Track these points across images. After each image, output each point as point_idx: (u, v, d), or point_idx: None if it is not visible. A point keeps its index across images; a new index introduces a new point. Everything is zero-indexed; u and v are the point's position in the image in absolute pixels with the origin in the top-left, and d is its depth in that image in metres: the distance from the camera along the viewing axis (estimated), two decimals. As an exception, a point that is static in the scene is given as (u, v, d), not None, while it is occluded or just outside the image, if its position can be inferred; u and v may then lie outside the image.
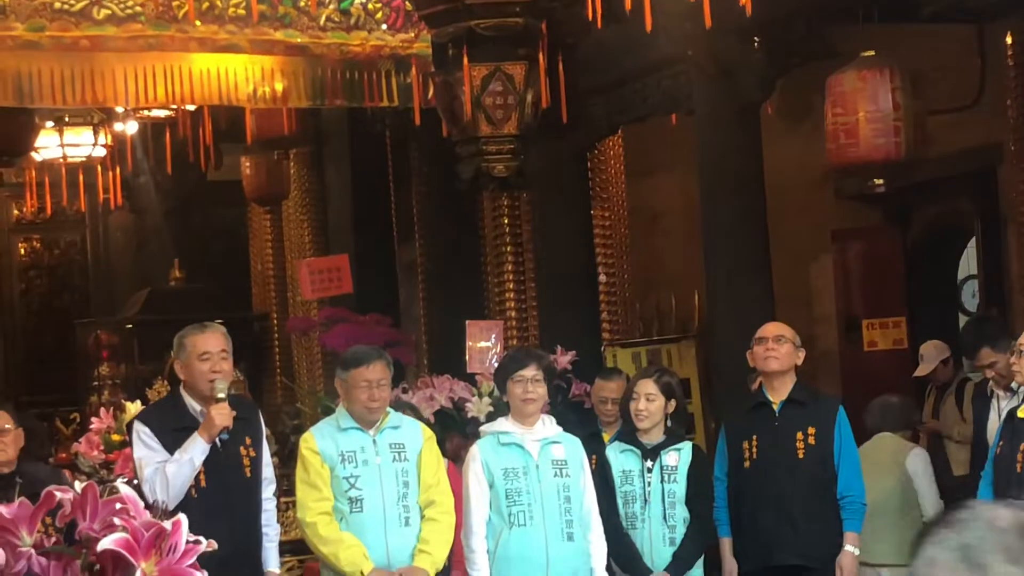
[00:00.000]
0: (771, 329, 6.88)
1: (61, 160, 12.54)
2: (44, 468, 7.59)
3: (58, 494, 3.41)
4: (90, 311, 15.66)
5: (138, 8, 8.49)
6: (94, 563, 3.39)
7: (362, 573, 6.25)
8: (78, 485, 3.49)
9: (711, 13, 6.73)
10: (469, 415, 8.83)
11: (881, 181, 7.69)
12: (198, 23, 8.61)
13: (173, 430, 6.05)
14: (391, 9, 9.12)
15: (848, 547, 6.70)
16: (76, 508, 3.45)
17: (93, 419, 8.64)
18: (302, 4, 8.83)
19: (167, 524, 3.40)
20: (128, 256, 16.27)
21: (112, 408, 8.76)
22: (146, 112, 11.56)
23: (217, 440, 6.05)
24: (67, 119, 12.38)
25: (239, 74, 8.85)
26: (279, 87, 9.05)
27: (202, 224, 15.59)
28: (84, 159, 12.65)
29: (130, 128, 13.12)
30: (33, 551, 3.34)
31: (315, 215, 13.39)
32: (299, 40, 8.93)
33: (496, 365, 8.47)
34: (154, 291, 14.62)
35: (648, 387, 6.81)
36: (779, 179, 10.09)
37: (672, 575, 6.65)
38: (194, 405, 6.15)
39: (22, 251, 16.27)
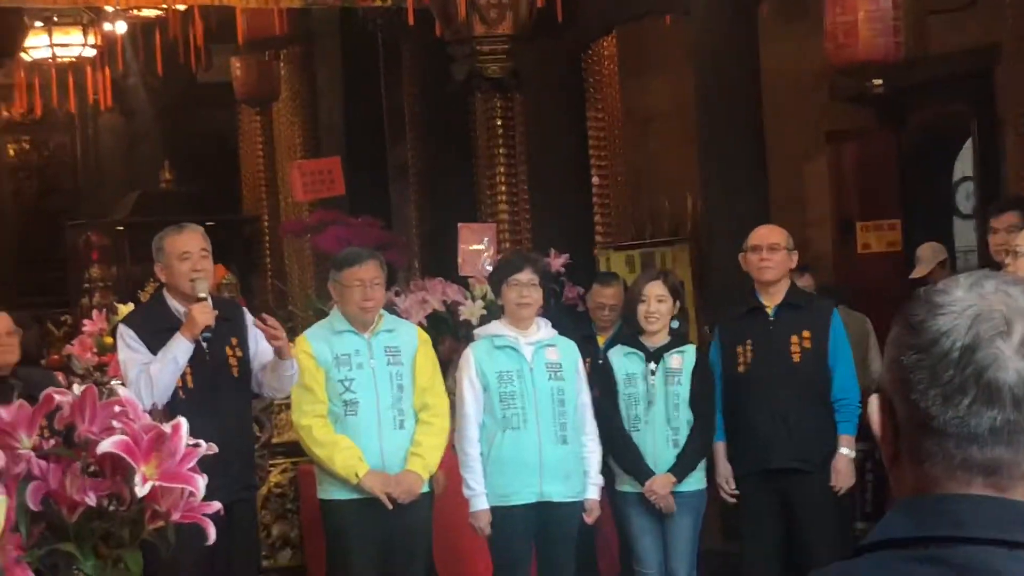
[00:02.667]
0: (764, 236, 6.80)
1: (51, 60, 12.40)
2: (38, 371, 7.59)
3: (57, 396, 3.39)
4: (80, 213, 15.59)
5: (127, -96, 8.34)
6: (93, 465, 3.38)
7: (357, 475, 6.25)
8: (76, 388, 3.47)
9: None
10: (462, 318, 8.80)
11: (880, 82, 7.61)
12: (188, -81, 8.48)
13: (157, 331, 6.03)
14: (385, -96, 9.00)
15: (843, 449, 6.70)
16: (75, 411, 3.43)
17: (85, 321, 8.60)
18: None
19: (167, 427, 3.39)
20: (118, 158, 16.17)
21: (104, 310, 8.72)
22: (136, 12, 11.42)
23: (202, 341, 6.01)
24: (56, 19, 12.22)
25: (231, -27, 8.73)
26: (273, -14, 8.93)
27: (193, 126, 15.48)
28: (74, 59, 12.51)
29: (120, 28, 12.98)
30: (32, 453, 3.33)
31: (306, 116, 13.30)
32: (293, -62, 8.80)
33: (489, 268, 8.46)
34: (144, 193, 14.55)
35: (658, 289, 6.77)
36: (774, 80, 10.00)
37: (676, 476, 6.65)
38: (177, 306, 6.12)
39: (11, 152, 16.17)
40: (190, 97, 14.89)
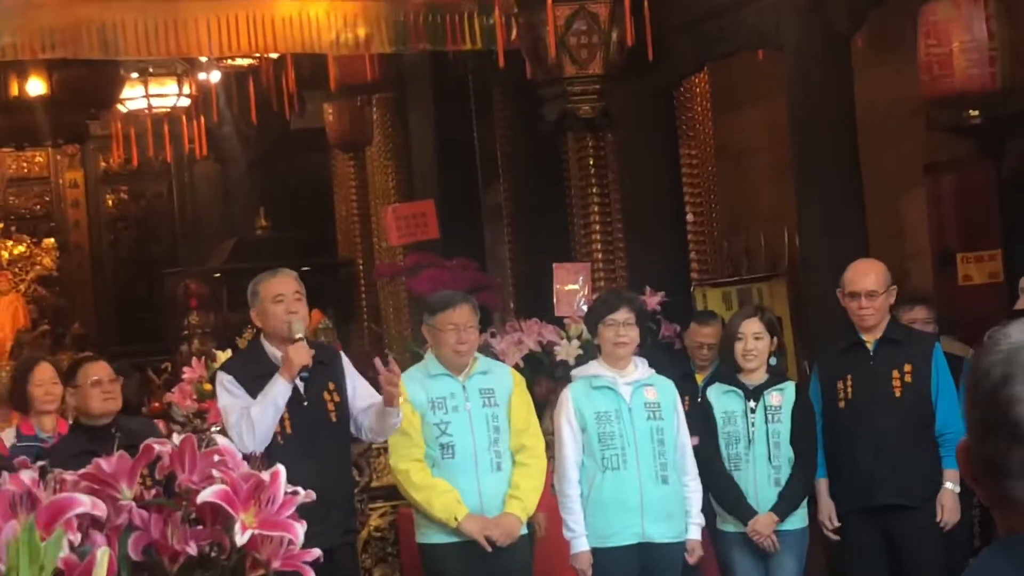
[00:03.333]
0: (861, 283, 6.71)
1: (146, 111, 12.59)
2: (138, 419, 7.68)
3: (156, 446, 3.40)
4: (177, 261, 15.77)
5: (220, -44, 8.45)
6: (194, 515, 3.38)
7: (456, 519, 6.24)
8: (176, 437, 3.48)
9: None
10: (558, 359, 8.78)
11: (976, 112, 7.52)
12: (279, -30, 8.56)
13: (256, 377, 6.05)
14: (475, -51, 9.02)
15: (948, 484, 6.59)
16: (175, 460, 3.44)
17: (184, 368, 8.67)
18: (383, -52, 8.76)
19: (265, 475, 3.38)
20: (214, 206, 16.36)
21: (203, 357, 8.79)
22: (229, 61, 11.55)
23: (300, 384, 6.02)
24: (151, 70, 12.41)
25: (321, 20, 8.80)
26: (361, 33, 8.99)
27: (287, 172, 15.63)
28: (169, 110, 12.69)
29: (213, 77, 13.14)
30: (134, 504, 3.34)
31: (399, 160, 13.36)
32: (381, -16, 8.86)
33: (584, 308, 8.44)
34: (240, 240, 14.69)
35: (755, 326, 6.72)
36: (870, 113, 9.91)
37: (778, 515, 6.58)
38: (274, 352, 6.13)
39: (110, 203, 16.39)
40: (284, 144, 15.03)
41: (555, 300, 9.47)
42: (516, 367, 9.29)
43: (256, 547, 3.36)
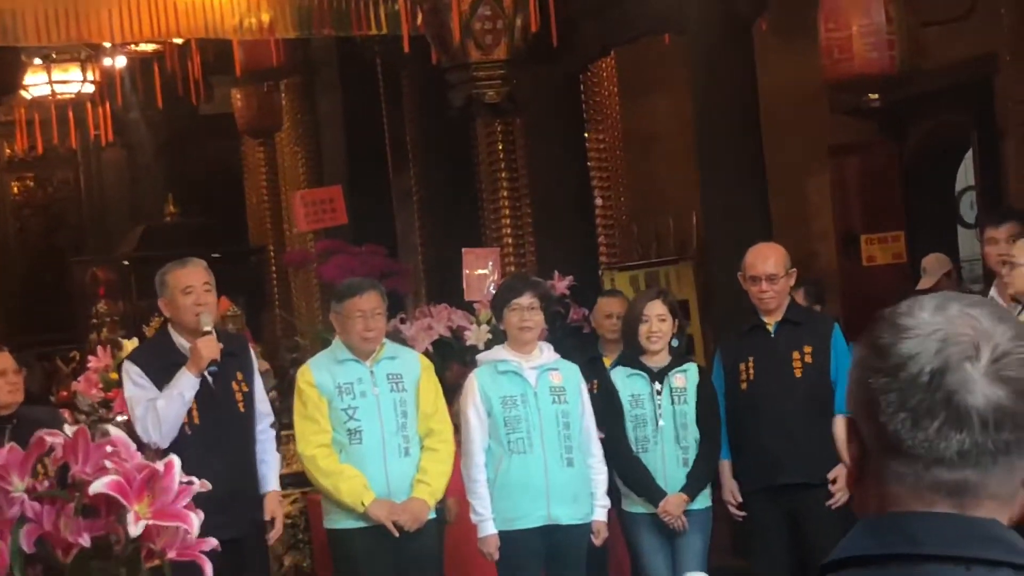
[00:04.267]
0: (761, 266, 6.76)
1: (50, 97, 12.45)
2: (42, 409, 7.58)
3: (48, 438, 3.39)
4: (86, 248, 15.61)
5: (121, -59, 8.37)
6: (88, 506, 3.37)
7: (363, 504, 6.24)
8: (68, 429, 3.47)
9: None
10: (468, 343, 8.80)
11: (876, 96, 7.60)
12: (182, -46, 8.50)
13: (163, 367, 6.03)
14: (379, -67, 8.99)
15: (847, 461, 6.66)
16: (68, 452, 3.43)
17: (90, 357, 8.59)
18: (287, -68, 8.72)
19: (159, 465, 3.38)
20: (122, 192, 16.20)
21: (109, 346, 8.71)
22: (133, 47, 11.45)
23: (208, 376, 6.01)
24: (55, 56, 12.27)
25: (224, 5, 8.75)
26: (265, 18, 8.95)
27: (196, 158, 15.51)
28: (73, 96, 12.56)
29: (119, 63, 13.02)
30: (26, 496, 3.32)
31: (308, 146, 13.31)
32: (285, -32, 8.81)
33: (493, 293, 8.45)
34: (149, 227, 14.56)
35: (658, 308, 6.75)
36: (775, 96, 9.99)
37: (688, 495, 6.64)
38: (182, 342, 6.11)
39: (15, 190, 16.21)
40: (192, 129, 14.92)
41: (465, 285, 9.49)
42: (426, 353, 9.30)
43: (151, 538, 3.35)
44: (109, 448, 3.34)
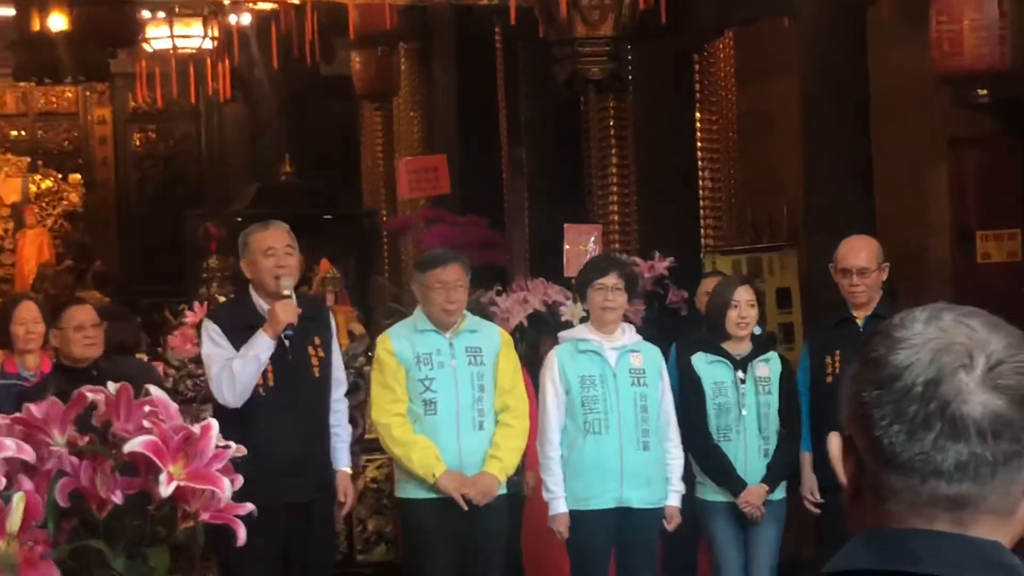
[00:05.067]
0: (853, 259, 6.64)
1: (171, 51, 12.58)
2: (133, 362, 7.69)
3: (89, 395, 3.42)
4: (204, 203, 15.80)
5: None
6: (127, 463, 3.40)
7: (434, 475, 6.24)
8: (152, 389, 3.48)
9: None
10: (563, 319, 8.77)
11: (985, 91, 7.44)
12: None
13: (241, 328, 6.05)
14: (496, -97, 8.92)
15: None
16: (111, 409, 3.46)
17: (188, 312, 8.69)
18: None
19: (196, 428, 3.40)
20: (242, 149, 16.35)
21: (206, 302, 8.80)
22: (252, 5, 11.52)
23: (284, 339, 6.03)
24: (177, 10, 12.39)
25: (336, -34, 8.74)
26: (378, -18, 8.93)
27: (314, 119, 15.59)
28: (194, 51, 12.68)
29: (245, 19, 13.12)
30: (64, 450, 3.36)
31: (424, 112, 13.32)
32: (399, -67, 8.78)
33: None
34: (264, 185, 14.69)
35: (747, 294, 6.67)
36: (895, 84, 9.81)
37: (769, 487, 6.57)
38: (261, 304, 6.13)
39: (138, 141, 16.43)
40: (312, 90, 15.00)
41: (565, 261, 9.45)
42: (520, 326, 9.31)
43: (186, 499, 3.37)
44: (147, 408, 3.37)
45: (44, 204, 16.24)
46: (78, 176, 16.29)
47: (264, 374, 6.02)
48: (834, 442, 6.27)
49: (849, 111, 8.48)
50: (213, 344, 6.07)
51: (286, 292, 6.06)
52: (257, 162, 15.77)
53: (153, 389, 3.44)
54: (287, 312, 6.00)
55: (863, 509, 1.61)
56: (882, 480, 1.58)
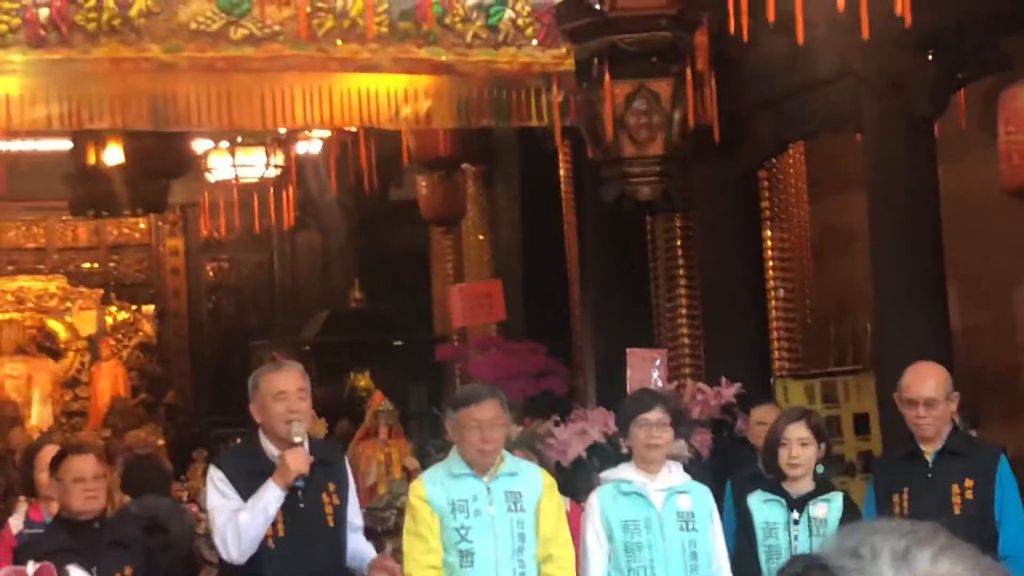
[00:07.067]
0: (919, 389, 6.16)
1: (234, 181, 12.42)
2: (164, 502, 7.40)
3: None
4: (275, 332, 15.59)
5: (277, 28, 8.18)
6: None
7: (470, 634, 5.80)
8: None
9: (871, 24, 6.16)
10: (623, 450, 8.33)
11: (1060, 206, 6.98)
12: (339, 42, 8.28)
13: (250, 475, 5.68)
14: (542, 25, 8.63)
15: (1011, 613, 6.02)
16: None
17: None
18: (447, 21, 8.43)
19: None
20: (314, 277, 16.17)
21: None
22: (308, 133, 11.34)
23: (295, 489, 5.65)
24: (240, 140, 12.25)
25: (380, 94, 8.50)
26: (424, 107, 8.68)
27: (385, 244, 15.36)
28: (256, 180, 12.51)
29: (313, 148, 13.00)
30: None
31: (492, 235, 13.03)
32: (444, 58, 8.53)
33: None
34: (333, 312, 14.46)
35: (800, 431, 6.21)
36: (978, 197, 9.38)
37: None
38: (271, 450, 5.76)
39: (210, 271, 16.31)
40: (382, 215, 14.78)
41: (628, 387, 9.06)
42: (579, 458, 8.89)
43: None
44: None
45: (120, 336, 16.13)
46: (151, 307, 16.16)
47: (273, 524, 5.63)
48: None
49: (919, 226, 8.04)
50: (219, 494, 5.70)
51: (297, 439, 5.69)
52: (328, 290, 15.55)
53: (73, 570, 3.08)
54: (298, 462, 5.62)
55: None
56: None
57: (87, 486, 5.74)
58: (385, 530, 8.58)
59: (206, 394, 15.48)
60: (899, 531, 1.26)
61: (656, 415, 6.03)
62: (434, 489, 5.99)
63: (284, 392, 5.77)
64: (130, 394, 15.74)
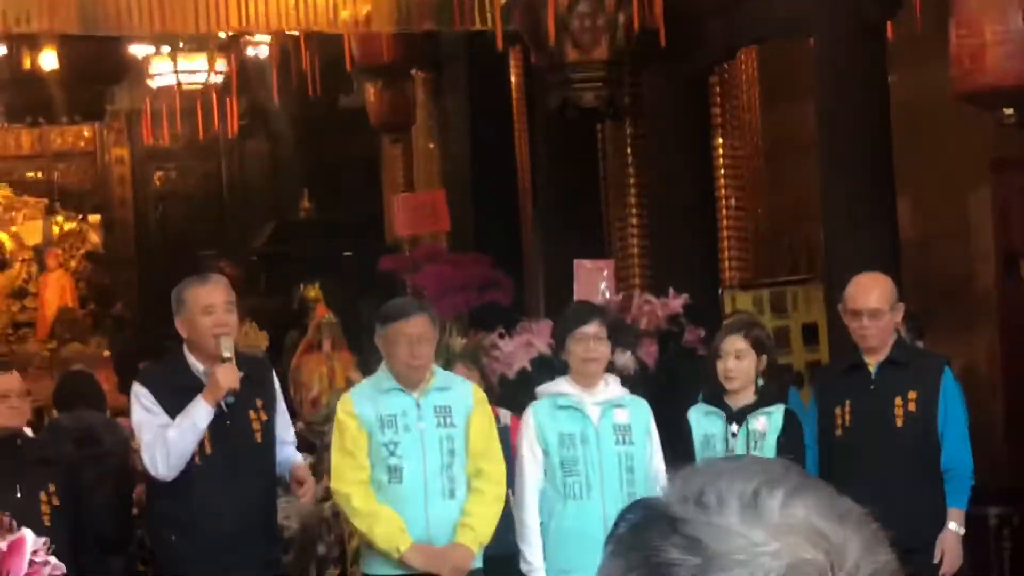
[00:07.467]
0: (863, 299, 6.04)
1: (176, 88, 12.13)
2: (96, 416, 7.28)
3: None
4: (225, 242, 15.35)
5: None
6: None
7: (399, 550, 5.68)
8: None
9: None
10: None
11: (1011, 111, 6.81)
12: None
13: (175, 391, 5.53)
14: (484, -76, 8.40)
15: (952, 525, 5.94)
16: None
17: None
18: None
19: (2, 545, 2.87)
20: (263, 185, 15.91)
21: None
22: (248, 38, 11.06)
23: (223, 403, 5.49)
24: (181, 45, 11.95)
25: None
26: (363, 10, 8.44)
27: (334, 153, 15.09)
28: (200, 86, 12.22)
29: (261, 53, 12.72)
30: None
31: (442, 143, 12.80)
32: (383, -40, 8.28)
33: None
34: (282, 222, 14.22)
35: (737, 343, 6.07)
36: (936, 104, 9.20)
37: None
38: (197, 364, 5.61)
39: (158, 181, 16.04)
40: (331, 124, 14.51)
41: (576, 299, 8.89)
42: (523, 371, 8.75)
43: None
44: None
45: (67, 247, 15.86)
46: (98, 217, 15.90)
47: (200, 441, 5.48)
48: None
49: (867, 133, 7.87)
50: (144, 411, 5.55)
51: (227, 354, 5.52)
52: (277, 199, 15.30)
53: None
54: (228, 378, 5.47)
55: None
56: None
57: (11, 403, 5.59)
58: (326, 444, 8.45)
59: (154, 306, 15.22)
60: (746, 472, 1.10)
61: (593, 328, 5.89)
62: (362, 404, 5.86)
63: (212, 305, 5.62)
64: (78, 305, 15.51)
